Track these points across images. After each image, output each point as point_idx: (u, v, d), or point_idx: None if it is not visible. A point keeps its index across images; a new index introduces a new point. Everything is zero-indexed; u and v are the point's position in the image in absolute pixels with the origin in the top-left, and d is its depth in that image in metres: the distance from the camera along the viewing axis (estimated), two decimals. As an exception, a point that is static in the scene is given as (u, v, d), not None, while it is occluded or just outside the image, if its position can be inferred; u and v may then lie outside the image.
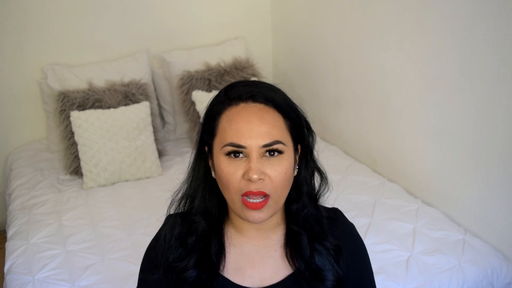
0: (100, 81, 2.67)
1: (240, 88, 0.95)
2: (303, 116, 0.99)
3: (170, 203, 1.05)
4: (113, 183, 2.48)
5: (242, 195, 0.91)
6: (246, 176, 0.89)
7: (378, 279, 1.73)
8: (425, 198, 2.22)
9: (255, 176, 0.88)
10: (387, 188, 2.31)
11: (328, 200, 1.09)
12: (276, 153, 0.92)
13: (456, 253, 1.85)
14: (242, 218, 0.95)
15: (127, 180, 2.50)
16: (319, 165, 1.04)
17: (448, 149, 2.06)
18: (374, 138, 2.53)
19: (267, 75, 3.23)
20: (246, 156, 0.91)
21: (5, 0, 2.61)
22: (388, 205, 2.16)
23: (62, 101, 2.52)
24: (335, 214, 1.09)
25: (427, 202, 2.20)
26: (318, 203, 1.05)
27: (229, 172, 0.91)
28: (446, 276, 1.77)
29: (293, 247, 1.01)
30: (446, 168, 2.10)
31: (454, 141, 2.02)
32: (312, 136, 1.01)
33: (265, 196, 0.91)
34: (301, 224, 1.01)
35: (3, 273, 1.95)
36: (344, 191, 2.28)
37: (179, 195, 1.04)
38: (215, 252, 0.99)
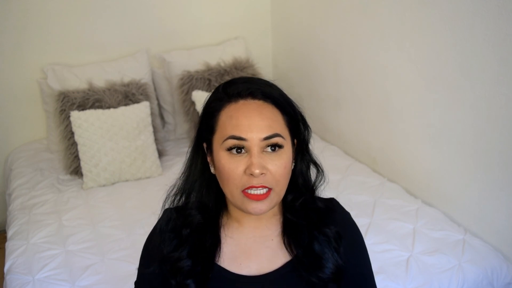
0: (100, 81, 2.67)
1: (239, 85, 0.96)
2: (298, 110, 1.01)
3: (165, 198, 1.06)
4: (113, 183, 2.47)
5: (244, 190, 0.92)
6: (248, 171, 0.91)
7: (378, 279, 1.73)
8: (425, 198, 2.22)
9: (257, 171, 0.90)
10: (387, 188, 2.31)
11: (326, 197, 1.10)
12: (276, 148, 0.93)
13: (456, 253, 1.85)
14: (243, 211, 0.96)
15: (127, 180, 2.50)
16: (315, 158, 1.06)
17: (448, 149, 2.06)
18: (374, 138, 2.53)
19: (267, 75, 3.23)
20: (247, 152, 0.92)
21: (5, 0, 2.61)
22: (388, 205, 2.16)
23: (62, 101, 2.52)
24: (332, 204, 1.09)
25: (427, 202, 2.20)
26: (315, 195, 1.06)
27: (230, 168, 0.92)
28: (446, 276, 1.77)
29: (291, 235, 1.02)
30: (446, 168, 2.10)
31: (454, 141, 2.02)
32: (308, 130, 1.03)
33: (267, 188, 0.92)
34: (298, 213, 1.02)
35: (3, 273, 1.95)
36: (344, 191, 2.28)
37: (174, 190, 1.05)
38: (210, 243, 1.00)
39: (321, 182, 1.06)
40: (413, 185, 2.29)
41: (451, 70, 1.96)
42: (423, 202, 2.19)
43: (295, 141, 1.01)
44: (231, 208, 1.03)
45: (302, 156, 1.03)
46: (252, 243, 1.03)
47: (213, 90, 1.01)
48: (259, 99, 0.95)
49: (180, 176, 1.04)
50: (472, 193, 1.99)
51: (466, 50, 1.87)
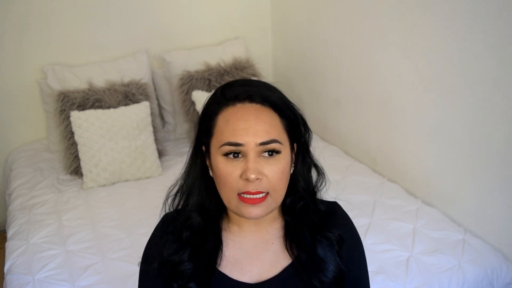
0: (100, 81, 2.67)
1: (237, 88, 0.95)
2: (299, 114, 1.00)
3: (166, 198, 1.05)
4: (113, 183, 2.47)
5: (239, 194, 0.91)
6: (243, 176, 0.90)
7: (378, 279, 1.74)
8: (425, 198, 2.22)
9: (253, 176, 0.89)
10: (387, 188, 2.31)
11: (328, 200, 1.10)
12: (273, 153, 0.92)
13: (456, 253, 1.86)
14: (238, 215, 0.95)
15: (127, 180, 2.50)
16: (316, 161, 1.05)
17: (448, 149, 2.06)
18: (374, 138, 2.53)
19: (267, 75, 3.23)
20: (243, 156, 0.91)
21: (5, 0, 2.61)
22: (388, 205, 2.16)
23: (62, 101, 2.52)
24: (334, 207, 1.09)
25: (427, 202, 2.20)
26: (317, 197, 1.06)
27: (227, 172, 0.91)
28: (446, 276, 1.77)
29: (292, 237, 1.01)
30: (446, 168, 2.10)
31: (454, 141, 2.02)
32: (308, 133, 1.02)
33: (264, 193, 0.91)
34: (298, 216, 1.01)
35: (3, 273, 1.95)
36: (344, 191, 2.28)
37: (175, 190, 1.04)
38: (211, 246, 0.99)
39: (322, 185, 1.05)
40: (413, 185, 2.30)
41: (450, 70, 1.96)
42: (423, 202, 2.19)
43: (295, 144, 1.00)
44: (230, 211, 1.02)
45: (303, 159, 1.02)
46: (254, 247, 1.02)
47: (213, 92, 1.00)
48: (257, 102, 0.93)
49: (181, 177, 1.04)
50: (472, 193, 1.99)
51: (466, 50, 1.87)
